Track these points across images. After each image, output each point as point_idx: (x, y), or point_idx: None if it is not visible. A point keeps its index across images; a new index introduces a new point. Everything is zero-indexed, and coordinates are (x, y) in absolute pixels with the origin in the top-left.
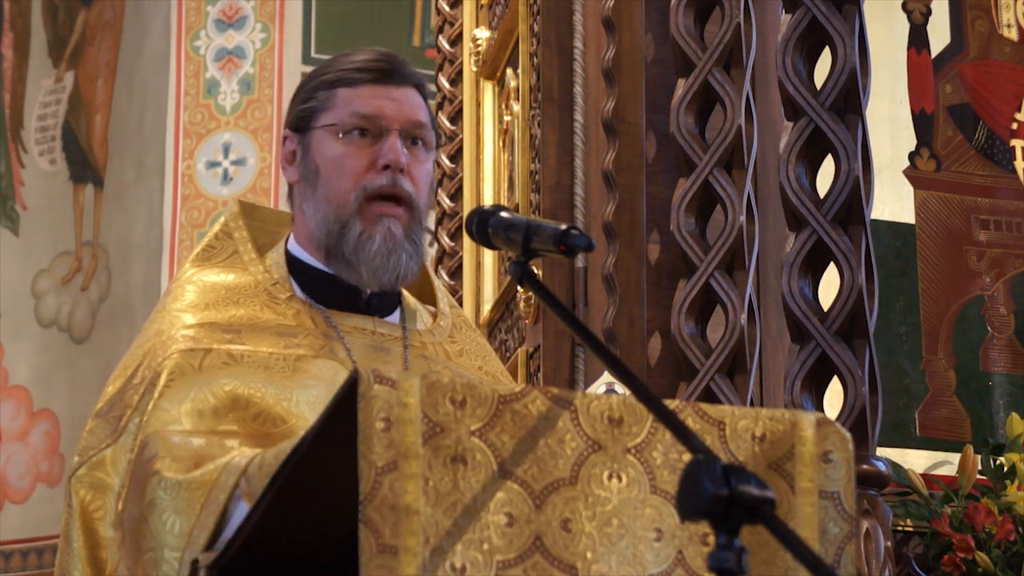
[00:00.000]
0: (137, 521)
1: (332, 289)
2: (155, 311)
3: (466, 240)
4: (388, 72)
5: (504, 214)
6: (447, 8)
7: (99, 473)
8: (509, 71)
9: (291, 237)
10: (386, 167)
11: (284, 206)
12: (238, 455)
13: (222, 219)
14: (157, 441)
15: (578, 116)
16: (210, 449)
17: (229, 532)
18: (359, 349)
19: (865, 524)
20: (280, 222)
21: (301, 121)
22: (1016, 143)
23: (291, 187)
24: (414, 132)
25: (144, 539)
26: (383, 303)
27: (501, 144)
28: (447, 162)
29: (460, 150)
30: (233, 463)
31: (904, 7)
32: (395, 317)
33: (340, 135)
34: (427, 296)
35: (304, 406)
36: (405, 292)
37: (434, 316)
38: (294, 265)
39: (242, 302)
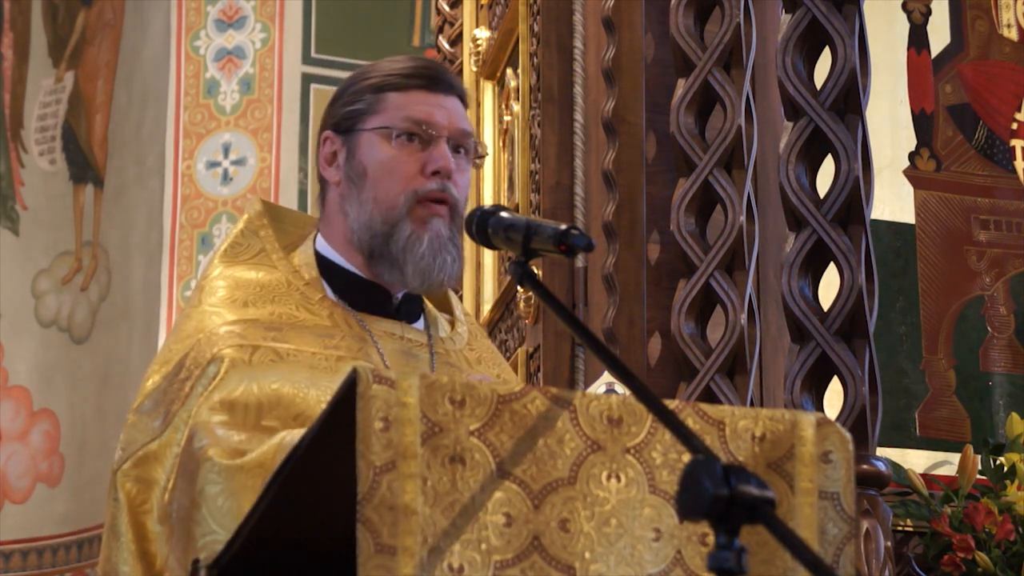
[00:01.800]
0: (188, 510)
1: (364, 293)
2: (189, 307)
3: (466, 240)
4: (437, 80)
5: (504, 214)
6: (447, 8)
7: (145, 467)
8: (509, 71)
9: (318, 238)
10: (435, 173)
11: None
12: (287, 434)
13: (245, 217)
14: (204, 431)
15: (578, 116)
16: (251, 444)
17: None
18: (391, 354)
19: (865, 524)
20: (300, 224)
21: (346, 123)
22: (1016, 143)
23: (325, 187)
24: (460, 142)
25: (198, 526)
26: (410, 309)
27: (501, 144)
28: None
29: None
30: (286, 442)
31: (904, 7)
32: (420, 324)
33: (392, 139)
34: (439, 304)
35: None
36: (426, 300)
37: (451, 324)
38: (324, 266)
39: (278, 300)
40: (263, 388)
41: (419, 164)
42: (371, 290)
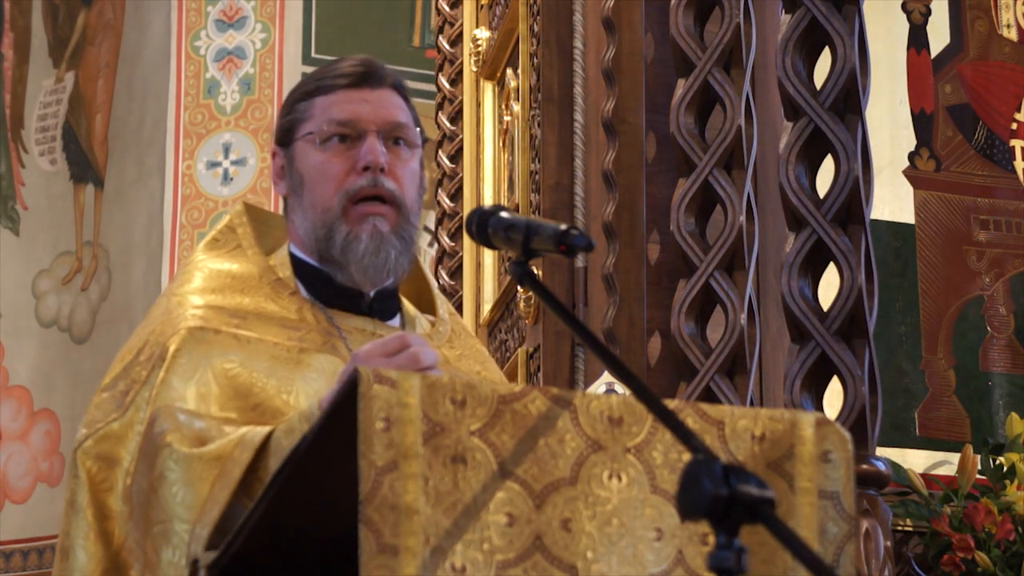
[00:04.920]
0: (147, 494)
1: (335, 291)
2: (163, 294)
3: (466, 240)
4: (364, 76)
5: (504, 214)
6: (447, 8)
7: (106, 446)
8: (509, 71)
9: (291, 243)
10: (366, 168)
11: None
12: (249, 431)
13: (227, 216)
14: (166, 416)
15: (578, 116)
16: (210, 432)
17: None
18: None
19: (865, 524)
20: (284, 228)
21: (285, 135)
22: (1016, 143)
23: (284, 200)
24: (394, 132)
25: (153, 511)
26: (384, 307)
27: (501, 144)
28: (447, 162)
29: (460, 150)
30: (247, 439)
31: (904, 7)
32: (395, 321)
33: (319, 143)
34: (426, 304)
35: (304, 399)
36: (405, 300)
37: (432, 324)
38: (299, 266)
39: (248, 291)
40: (218, 375)
41: (350, 163)
42: (342, 289)
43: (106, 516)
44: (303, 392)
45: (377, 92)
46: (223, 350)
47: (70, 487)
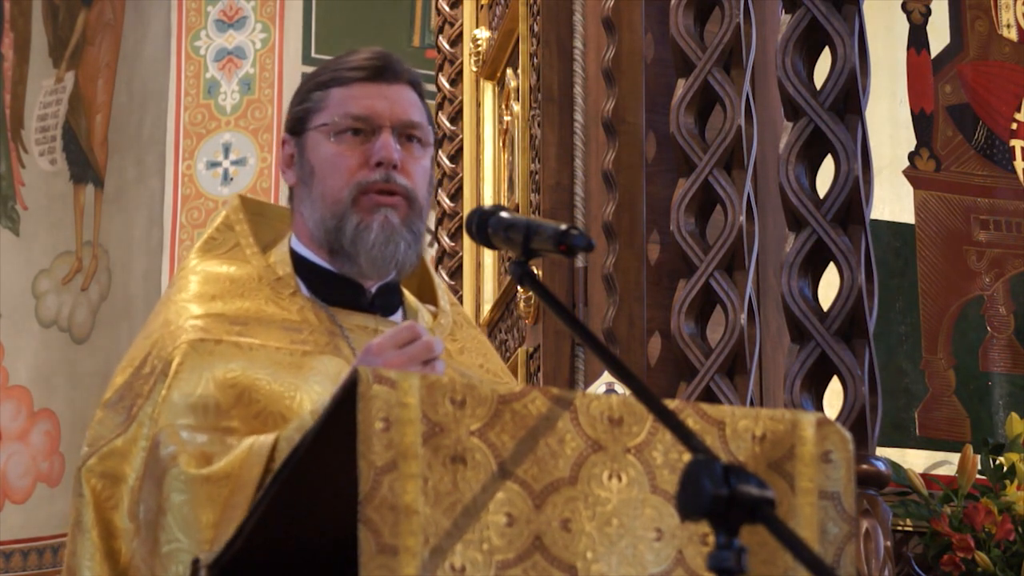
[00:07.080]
0: (155, 515)
1: (336, 287)
2: (160, 302)
3: (466, 240)
4: (381, 70)
5: (504, 214)
6: (447, 8)
7: (111, 463)
8: (509, 71)
9: (293, 237)
10: (379, 164)
11: (284, 206)
12: (255, 441)
13: (223, 212)
14: (170, 436)
15: (578, 116)
16: (212, 447)
17: None
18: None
19: (865, 524)
20: (283, 219)
21: (297, 124)
22: (1016, 143)
23: (291, 190)
24: (408, 130)
25: (163, 532)
26: (386, 302)
27: (501, 144)
28: (447, 162)
29: (460, 150)
30: (255, 450)
31: (904, 7)
32: (398, 316)
33: (333, 135)
34: (428, 295)
35: (308, 403)
36: (407, 292)
37: (435, 315)
38: (299, 263)
39: (247, 295)
40: (220, 385)
41: (363, 157)
42: (344, 284)
43: (112, 534)
44: (307, 396)
45: (394, 88)
46: (225, 360)
47: (75, 506)
